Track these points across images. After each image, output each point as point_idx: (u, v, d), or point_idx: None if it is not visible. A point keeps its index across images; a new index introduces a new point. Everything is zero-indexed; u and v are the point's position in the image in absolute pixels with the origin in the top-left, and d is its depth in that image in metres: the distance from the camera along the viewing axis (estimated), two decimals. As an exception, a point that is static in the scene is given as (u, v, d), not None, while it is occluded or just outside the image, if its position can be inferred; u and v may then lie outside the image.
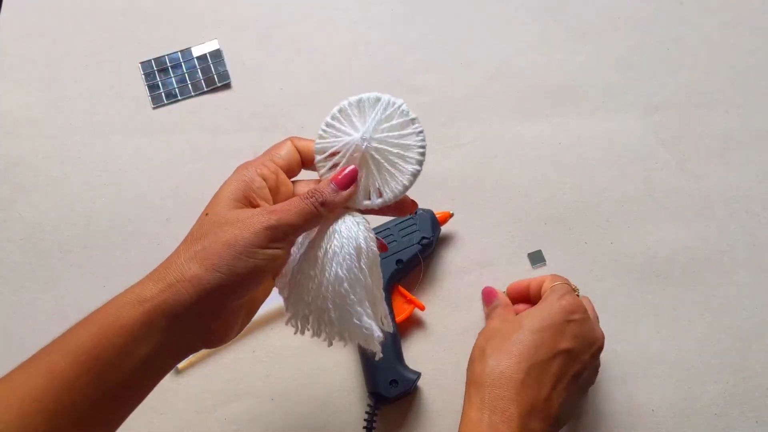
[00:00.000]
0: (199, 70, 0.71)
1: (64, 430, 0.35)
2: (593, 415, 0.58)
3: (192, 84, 0.71)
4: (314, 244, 0.42)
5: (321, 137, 0.42)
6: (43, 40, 0.73)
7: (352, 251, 0.40)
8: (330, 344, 0.43)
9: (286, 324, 0.44)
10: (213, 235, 0.38)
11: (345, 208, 0.42)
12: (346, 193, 0.41)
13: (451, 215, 0.63)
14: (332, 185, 0.41)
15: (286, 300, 0.43)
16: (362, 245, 0.41)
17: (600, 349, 0.52)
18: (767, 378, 0.59)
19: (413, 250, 0.60)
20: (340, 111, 0.42)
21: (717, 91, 0.69)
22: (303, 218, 0.39)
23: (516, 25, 0.73)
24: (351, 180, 0.41)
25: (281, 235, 0.38)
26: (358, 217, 0.42)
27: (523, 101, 0.69)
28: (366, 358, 0.57)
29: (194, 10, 0.74)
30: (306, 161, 0.44)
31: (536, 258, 0.63)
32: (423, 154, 0.42)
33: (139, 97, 0.70)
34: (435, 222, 0.61)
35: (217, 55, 0.72)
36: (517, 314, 0.54)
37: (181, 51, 0.72)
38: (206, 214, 0.40)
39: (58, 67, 0.72)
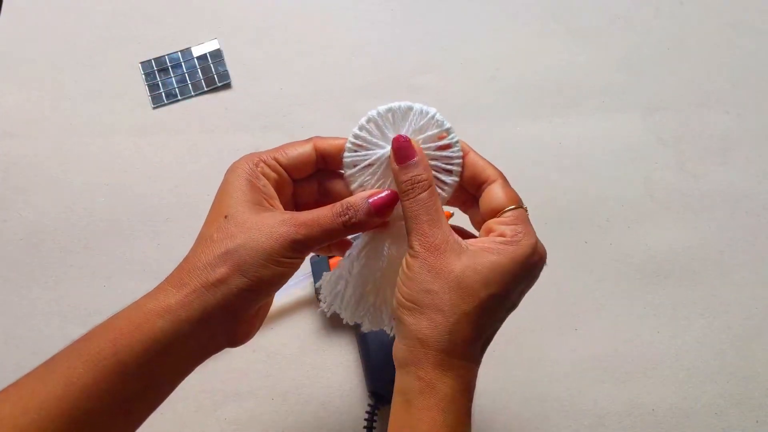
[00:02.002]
0: (199, 70, 0.71)
1: None
2: (593, 415, 0.58)
3: (192, 84, 0.71)
4: (369, 256, 0.42)
5: (350, 150, 0.40)
6: (43, 40, 0.73)
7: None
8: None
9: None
10: (238, 239, 0.37)
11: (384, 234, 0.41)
12: (379, 220, 0.39)
13: (452, 215, 0.63)
14: (368, 206, 0.39)
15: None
16: None
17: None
18: (767, 378, 0.59)
19: None
20: (368, 121, 0.40)
21: (717, 91, 0.69)
22: (328, 236, 0.38)
23: (516, 25, 0.73)
24: (390, 206, 0.39)
25: (305, 249, 0.38)
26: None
27: (523, 101, 0.69)
28: (366, 357, 0.57)
29: (194, 10, 0.74)
30: (329, 162, 0.42)
31: (536, 258, 0.63)
32: (460, 165, 0.40)
33: (139, 97, 0.70)
34: None
35: (217, 55, 0.72)
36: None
37: (181, 51, 0.72)
38: (225, 217, 0.38)
39: (58, 67, 0.72)
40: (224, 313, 0.37)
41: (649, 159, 0.67)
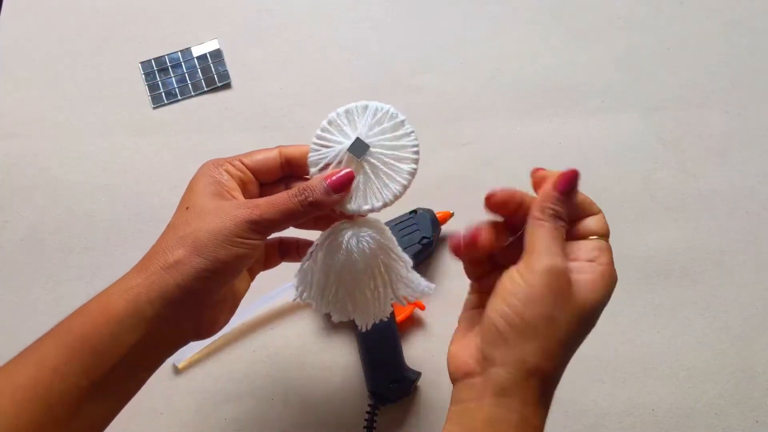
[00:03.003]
0: (199, 70, 0.71)
1: (58, 419, 0.36)
2: (593, 415, 0.58)
3: (192, 84, 0.71)
4: (327, 251, 0.43)
5: (314, 150, 0.43)
6: (43, 40, 0.73)
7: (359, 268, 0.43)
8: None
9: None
10: (195, 223, 0.39)
11: (349, 215, 0.43)
12: (338, 197, 0.41)
13: (452, 215, 0.63)
14: (325, 185, 0.40)
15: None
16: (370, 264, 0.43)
17: None
18: (767, 378, 0.59)
19: (413, 250, 0.60)
20: (329, 123, 0.43)
21: (717, 91, 0.69)
22: (286, 217, 0.40)
23: (516, 25, 0.73)
24: (346, 183, 0.41)
25: (262, 229, 0.39)
26: (370, 231, 0.43)
27: (523, 101, 0.69)
28: (366, 357, 0.57)
29: (194, 10, 0.74)
30: (295, 167, 0.44)
31: (536, 258, 0.63)
32: (417, 153, 0.42)
33: (139, 97, 0.70)
34: (435, 222, 0.61)
35: (217, 55, 0.72)
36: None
37: (181, 51, 0.72)
38: (186, 208, 0.40)
39: (58, 67, 0.72)
40: (184, 294, 0.38)
41: (649, 159, 0.67)
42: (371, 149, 0.42)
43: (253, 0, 0.75)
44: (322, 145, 0.42)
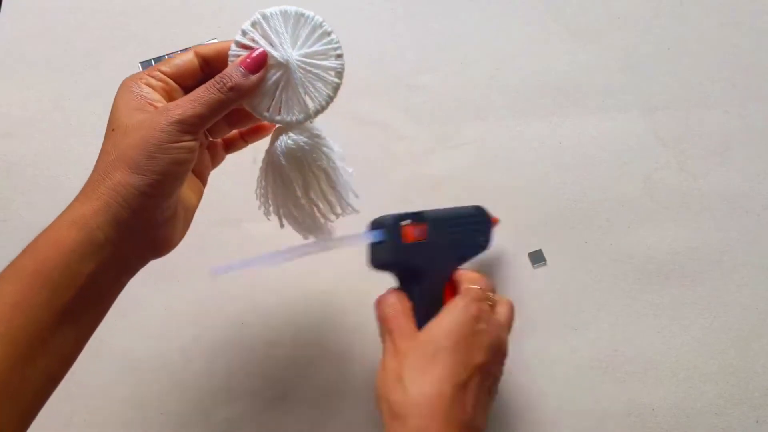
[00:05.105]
0: (199, 70, 0.71)
1: (26, 353, 0.36)
2: (593, 415, 0.58)
3: (192, 84, 0.71)
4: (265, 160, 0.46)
5: (233, 51, 0.42)
6: (43, 40, 0.73)
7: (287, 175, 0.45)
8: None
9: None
10: (124, 142, 0.39)
11: (281, 131, 0.44)
12: (255, 78, 0.41)
13: (497, 221, 0.59)
14: (241, 69, 0.40)
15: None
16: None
17: (505, 357, 0.49)
18: (767, 378, 0.59)
19: (473, 253, 0.56)
20: (252, 24, 0.43)
21: (717, 91, 0.69)
22: (209, 108, 0.39)
23: (516, 25, 0.73)
24: (261, 63, 0.41)
25: (190, 128, 0.39)
26: (302, 136, 0.44)
27: (524, 101, 0.69)
28: None
29: (194, 10, 0.74)
30: (214, 66, 0.43)
31: (536, 257, 0.63)
32: (341, 63, 0.43)
33: (139, 97, 0.70)
34: (491, 228, 0.58)
35: (217, 55, 0.72)
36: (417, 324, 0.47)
37: (181, 51, 0.72)
38: (112, 130, 0.40)
39: (58, 67, 0.72)
40: (133, 215, 0.38)
41: (649, 159, 0.67)
42: (294, 60, 0.42)
43: (253, 0, 0.75)
44: (245, 46, 0.42)
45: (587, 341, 0.60)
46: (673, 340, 0.60)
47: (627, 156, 0.67)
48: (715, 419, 0.57)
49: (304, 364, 0.60)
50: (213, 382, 0.59)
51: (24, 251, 0.39)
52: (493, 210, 0.59)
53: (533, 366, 0.59)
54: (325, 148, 0.45)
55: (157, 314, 0.61)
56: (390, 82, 0.70)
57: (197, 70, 0.43)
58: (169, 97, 0.42)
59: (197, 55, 0.43)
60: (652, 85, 0.70)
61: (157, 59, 0.72)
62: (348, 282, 0.61)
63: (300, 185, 0.45)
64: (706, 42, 0.72)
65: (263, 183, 0.47)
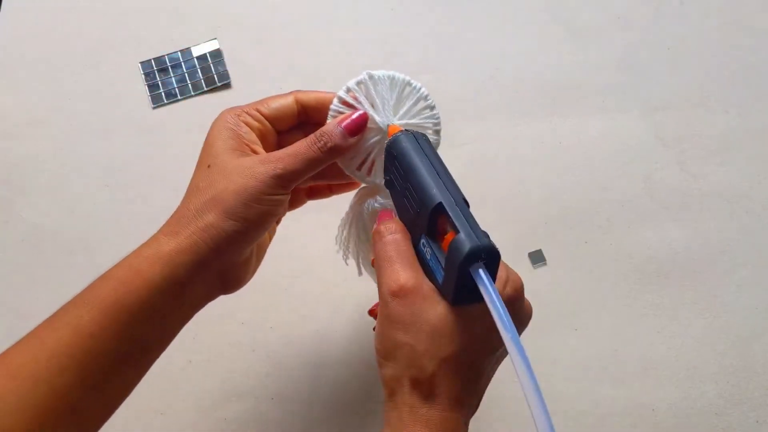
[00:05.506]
0: (199, 70, 0.71)
1: (91, 382, 0.36)
2: (593, 415, 0.58)
3: (192, 84, 0.71)
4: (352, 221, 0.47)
5: (339, 102, 0.42)
6: (43, 40, 0.73)
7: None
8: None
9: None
10: (221, 184, 0.38)
11: (369, 191, 0.44)
12: (353, 140, 0.40)
13: None
14: (340, 129, 0.40)
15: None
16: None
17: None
18: (767, 378, 0.59)
19: None
20: (358, 83, 0.42)
21: (717, 91, 0.69)
22: (308, 166, 0.39)
23: (516, 25, 0.73)
24: (361, 127, 0.41)
25: (287, 183, 0.39)
26: (380, 197, 0.44)
27: (523, 101, 0.69)
28: None
29: (194, 10, 0.74)
30: (311, 114, 0.43)
31: (536, 257, 0.63)
32: (438, 133, 0.44)
33: (139, 97, 0.70)
34: None
35: (217, 55, 0.72)
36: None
37: (181, 51, 0.72)
38: (208, 166, 0.40)
39: (58, 68, 0.72)
40: (216, 256, 0.38)
41: (649, 159, 0.67)
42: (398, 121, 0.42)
43: (253, 0, 0.75)
44: (348, 104, 0.42)
45: (587, 341, 0.60)
46: (673, 340, 0.60)
47: (627, 156, 0.67)
48: (715, 419, 0.57)
49: (304, 364, 0.60)
50: (213, 382, 0.59)
51: (104, 277, 0.39)
52: (493, 210, 0.59)
53: (533, 366, 0.59)
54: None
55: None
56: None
57: (294, 116, 0.43)
58: (263, 138, 0.42)
59: (297, 101, 0.43)
60: (652, 85, 0.70)
61: (157, 59, 0.72)
62: (348, 282, 0.61)
63: None
64: (706, 42, 0.72)
65: (345, 233, 0.48)
